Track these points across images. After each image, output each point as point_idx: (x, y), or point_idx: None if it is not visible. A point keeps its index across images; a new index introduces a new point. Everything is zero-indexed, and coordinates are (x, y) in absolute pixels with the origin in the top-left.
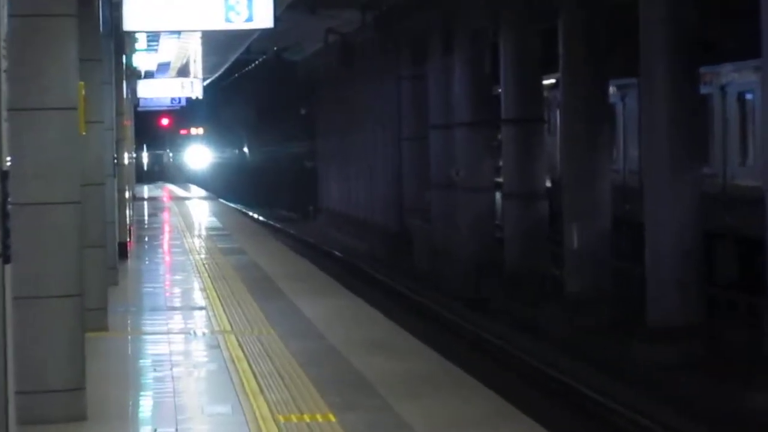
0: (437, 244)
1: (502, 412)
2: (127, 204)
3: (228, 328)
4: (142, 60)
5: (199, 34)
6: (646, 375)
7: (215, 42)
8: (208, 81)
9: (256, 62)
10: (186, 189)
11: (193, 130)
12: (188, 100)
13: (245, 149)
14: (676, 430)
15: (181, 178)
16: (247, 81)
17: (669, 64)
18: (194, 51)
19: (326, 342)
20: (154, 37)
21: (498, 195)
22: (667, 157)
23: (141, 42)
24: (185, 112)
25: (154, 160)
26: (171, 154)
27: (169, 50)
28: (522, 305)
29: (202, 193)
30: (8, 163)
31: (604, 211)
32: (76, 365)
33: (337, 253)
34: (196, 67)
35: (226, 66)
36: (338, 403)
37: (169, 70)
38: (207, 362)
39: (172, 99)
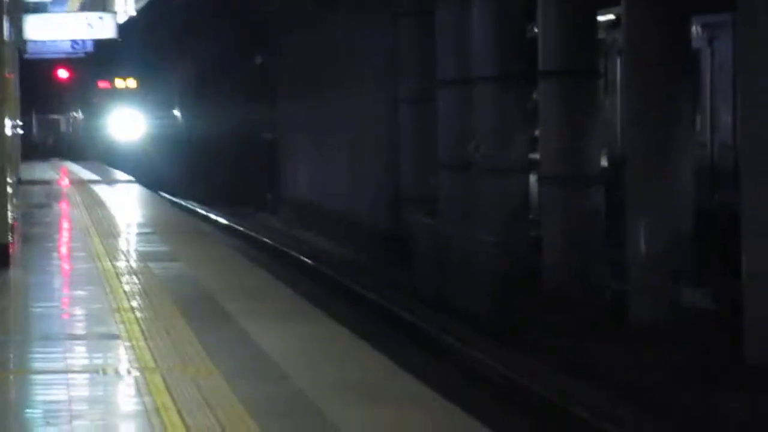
0: (447, 248)
1: None
2: (10, 191)
3: (151, 364)
4: None
5: None
6: None
7: None
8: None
9: None
10: (95, 169)
11: (119, 83)
12: (96, 43)
13: (176, 113)
14: None
15: (94, 154)
16: (179, 17)
17: None
18: None
19: (290, 385)
20: None
21: (533, 178)
22: None
23: None
24: (101, 58)
25: (48, 128)
26: (73, 121)
27: None
28: (569, 336)
29: (119, 175)
30: None
31: (684, 203)
32: None
33: (306, 260)
34: None
35: None
36: None
37: (68, 1)
38: (121, 413)
39: (74, 42)
